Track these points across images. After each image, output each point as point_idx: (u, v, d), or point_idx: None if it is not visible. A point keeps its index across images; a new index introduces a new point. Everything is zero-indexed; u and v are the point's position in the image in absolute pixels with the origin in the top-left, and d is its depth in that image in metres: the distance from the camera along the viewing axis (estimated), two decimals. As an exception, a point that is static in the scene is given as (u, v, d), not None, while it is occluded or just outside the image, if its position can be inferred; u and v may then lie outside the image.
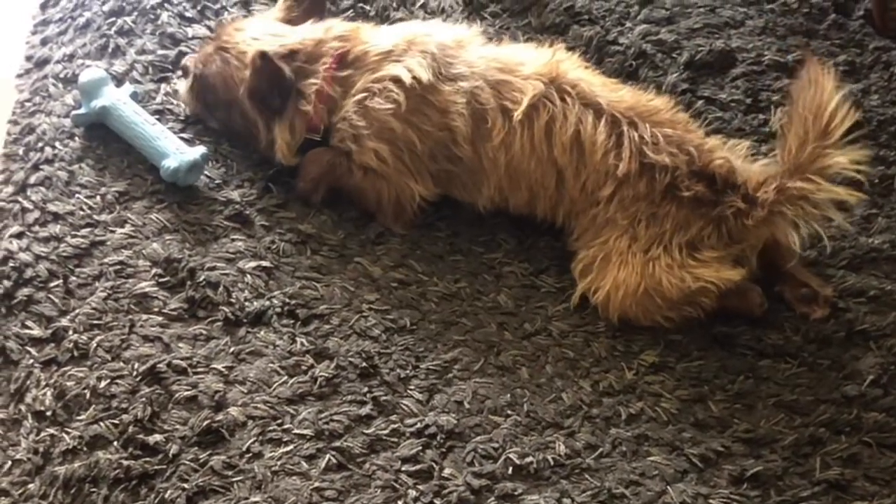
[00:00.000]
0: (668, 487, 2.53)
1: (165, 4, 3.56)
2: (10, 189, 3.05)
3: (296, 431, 2.58)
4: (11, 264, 2.85)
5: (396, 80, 2.92)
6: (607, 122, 2.84)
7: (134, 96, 3.18)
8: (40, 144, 3.15)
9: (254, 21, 3.20)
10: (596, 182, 2.85)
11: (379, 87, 2.93)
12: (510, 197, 2.99)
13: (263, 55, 2.91)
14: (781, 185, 2.68)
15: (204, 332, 2.76)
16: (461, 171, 2.99)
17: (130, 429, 2.54)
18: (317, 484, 2.48)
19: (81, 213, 2.98)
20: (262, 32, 3.08)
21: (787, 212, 2.70)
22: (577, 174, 2.87)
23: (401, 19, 3.55)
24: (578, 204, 2.91)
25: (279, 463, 2.51)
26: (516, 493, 2.51)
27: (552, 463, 2.55)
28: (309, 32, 3.06)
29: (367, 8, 3.64)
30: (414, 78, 2.91)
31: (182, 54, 3.40)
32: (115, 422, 2.56)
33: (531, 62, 2.96)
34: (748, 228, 2.76)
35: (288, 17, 3.18)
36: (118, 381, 2.63)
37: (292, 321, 2.80)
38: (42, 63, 3.43)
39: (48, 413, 2.59)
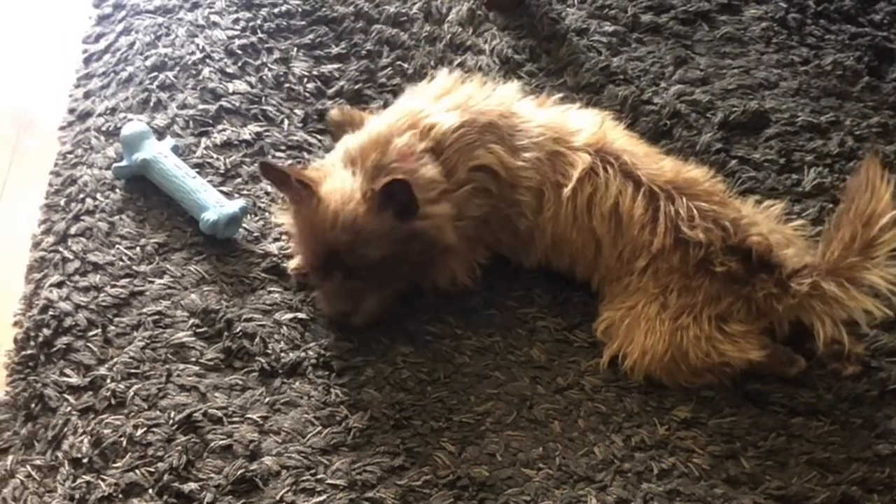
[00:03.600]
0: (700, 543, 2.54)
1: (207, 60, 3.61)
2: (51, 239, 3.09)
3: (329, 481, 2.59)
4: (51, 313, 2.89)
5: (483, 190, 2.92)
6: (645, 196, 2.85)
7: (175, 150, 3.23)
8: (82, 196, 3.20)
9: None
10: (632, 253, 2.86)
11: (470, 186, 2.90)
12: (553, 261, 3.02)
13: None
14: (816, 282, 2.68)
15: (240, 382, 2.78)
16: (513, 241, 3.01)
17: (166, 477, 2.56)
18: (349, 534, 2.51)
19: (121, 263, 3.02)
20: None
21: (816, 307, 2.71)
22: (615, 244, 2.88)
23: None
24: (613, 272, 2.92)
25: (312, 513, 2.53)
26: (548, 546, 2.52)
27: (584, 517, 2.56)
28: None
29: (406, 66, 3.68)
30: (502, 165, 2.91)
31: (223, 109, 3.46)
32: (151, 470, 2.58)
33: (581, 132, 2.96)
34: (777, 310, 2.77)
35: None
36: (154, 429, 2.66)
37: (327, 372, 2.82)
38: (85, 116, 3.48)
39: (85, 460, 2.61)
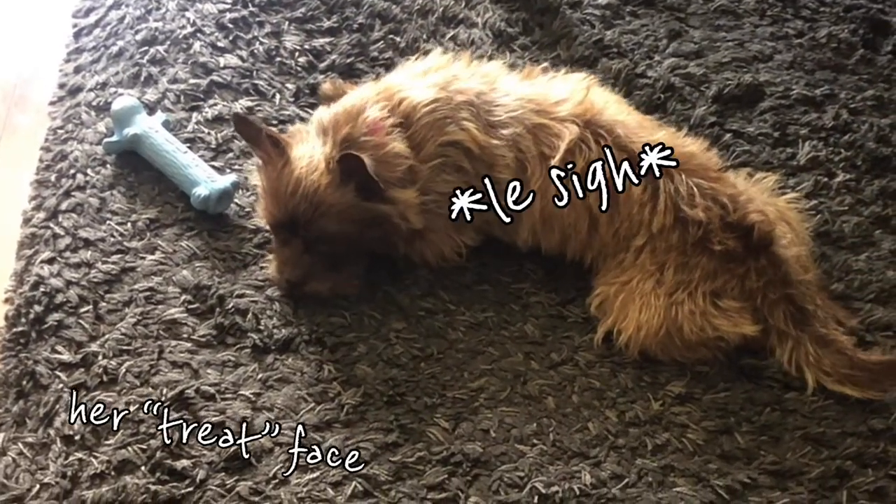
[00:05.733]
0: (694, 518, 2.53)
1: (198, 34, 3.59)
2: (41, 215, 3.08)
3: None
4: (42, 289, 2.87)
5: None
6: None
7: (166, 124, 3.21)
8: (72, 171, 3.18)
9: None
10: (629, 230, 2.85)
11: (439, 161, 2.89)
12: (542, 240, 2.97)
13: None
14: (813, 336, 2.78)
15: (232, 358, 2.78)
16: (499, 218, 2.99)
17: (158, 454, 2.55)
18: (343, 511, 2.50)
19: (112, 239, 3.01)
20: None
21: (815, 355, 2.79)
22: (611, 221, 2.86)
23: (430, 50, 3.54)
24: (609, 248, 2.90)
25: (306, 490, 2.51)
26: (541, 522, 2.52)
27: (578, 493, 2.54)
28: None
29: (398, 39, 3.66)
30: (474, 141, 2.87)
31: (214, 83, 3.44)
32: (143, 447, 2.57)
33: (566, 101, 2.92)
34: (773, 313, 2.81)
35: None
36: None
37: (320, 348, 2.81)
38: (75, 91, 3.46)
39: (77, 437, 2.60)
